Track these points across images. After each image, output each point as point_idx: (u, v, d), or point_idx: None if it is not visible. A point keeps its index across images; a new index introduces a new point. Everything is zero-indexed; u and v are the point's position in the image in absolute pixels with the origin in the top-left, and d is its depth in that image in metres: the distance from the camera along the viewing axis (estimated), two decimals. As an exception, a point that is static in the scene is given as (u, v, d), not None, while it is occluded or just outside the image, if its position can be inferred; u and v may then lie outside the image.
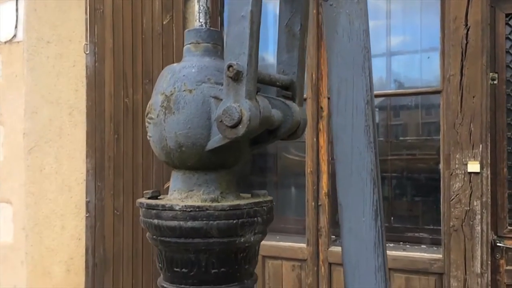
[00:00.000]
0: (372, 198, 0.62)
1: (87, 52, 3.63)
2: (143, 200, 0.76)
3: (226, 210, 0.70)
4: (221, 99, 0.69)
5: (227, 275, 0.73)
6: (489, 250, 2.71)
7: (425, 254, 2.97)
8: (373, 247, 0.62)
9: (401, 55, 3.45)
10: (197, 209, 0.70)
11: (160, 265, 0.77)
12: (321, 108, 3.23)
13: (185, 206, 0.70)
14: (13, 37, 3.92)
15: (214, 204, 0.72)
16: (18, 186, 3.90)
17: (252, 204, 0.73)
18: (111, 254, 3.53)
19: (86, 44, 3.69)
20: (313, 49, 3.17)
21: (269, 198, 0.78)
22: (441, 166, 2.91)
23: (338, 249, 3.19)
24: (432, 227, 3.20)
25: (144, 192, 0.78)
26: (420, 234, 3.27)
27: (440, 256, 2.90)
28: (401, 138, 3.63)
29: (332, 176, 3.25)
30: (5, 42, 3.94)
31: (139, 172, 3.45)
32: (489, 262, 2.70)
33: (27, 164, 3.87)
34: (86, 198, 3.61)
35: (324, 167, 3.22)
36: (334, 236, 3.28)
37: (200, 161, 0.74)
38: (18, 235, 3.92)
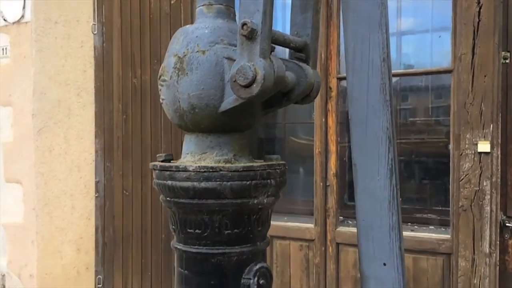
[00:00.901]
0: (387, 157, 0.61)
1: (95, 33, 3.62)
2: (156, 162, 0.77)
3: (240, 171, 0.70)
4: (235, 60, 0.68)
5: (240, 236, 0.73)
6: (498, 230, 2.70)
7: (433, 235, 2.97)
8: (387, 205, 0.61)
9: (412, 35, 3.40)
10: (211, 170, 0.70)
11: (173, 227, 0.77)
12: (330, 88, 3.20)
13: (199, 167, 0.70)
14: (21, 17, 3.91)
15: (228, 165, 0.72)
16: (28, 167, 3.94)
17: (265, 166, 0.73)
18: (120, 234, 3.57)
19: (94, 25, 3.68)
20: (322, 28, 3.13)
21: (282, 162, 0.78)
22: (451, 146, 2.89)
23: (346, 229, 3.20)
24: (440, 208, 3.19)
25: (157, 155, 0.78)
26: (429, 215, 3.26)
27: (448, 236, 2.90)
28: (410, 119, 3.60)
29: (341, 157, 3.24)
30: (13, 23, 3.94)
31: (148, 153, 3.46)
32: (498, 242, 2.70)
33: (37, 145, 3.90)
34: (95, 178, 3.64)
35: (332, 147, 3.21)
36: (342, 217, 3.28)
37: (214, 123, 0.73)
38: (28, 215, 3.97)
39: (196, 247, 0.73)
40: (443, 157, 3.14)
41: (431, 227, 3.14)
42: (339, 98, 3.22)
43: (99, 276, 3.59)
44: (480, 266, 2.71)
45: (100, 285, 3.57)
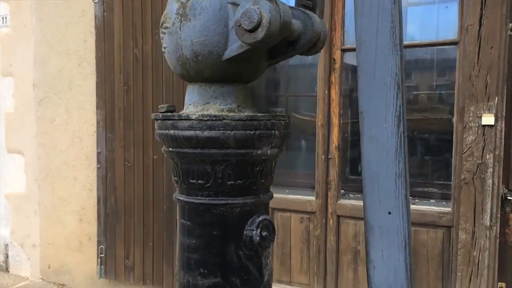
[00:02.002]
0: (395, 103, 0.60)
1: (96, 1, 3.55)
2: (158, 112, 0.75)
3: (244, 120, 0.69)
4: (239, 5, 0.66)
5: (243, 187, 0.72)
6: (499, 203, 2.71)
7: (434, 208, 2.98)
8: (394, 153, 0.60)
9: (418, 6, 3.34)
10: (214, 119, 0.68)
11: (175, 178, 0.76)
12: (334, 60, 3.16)
13: (202, 115, 0.69)
14: (20, -15, 3.85)
15: (231, 114, 0.70)
16: (30, 137, 3.94)
17: (270, 116, 0.71)
18: (122, 205, 3.58)
19: (95, -7, 3.61)
20: (327, -2, 3.07)
21: (287, 114, 0.76)
22: (454, 119, 2.87)
23: (347, 202, 3.21)
24: (442, 182, 3.19)
25: (159, 106, 0.76)
26: (430, 189, 3.26)
27: (449, 209, 2.91)
28: (414, 93, 3.57)
29: (343, 129, 3.23)
30: (13, -9, 3.88)
31: (149, 124, 3.44)
32: (499, 215, 2.70)
33: (38, 115, 3.89)
34: (97, 149, 3.64)
35: (335, 120, 3.19)
36: (343, 191, 3.29)
37: (217, 72, 0.71)
38: (30, 185, 3.99)
39: (198, 198, 0.72)
40: (446, 132, 3.12)
41: (432, 200, 3.15)
42: (343, 71, 3.19)
43: (101, 246, 3.62)
44: (480, 239, 2.72)
45: (102, 255, 3.61)
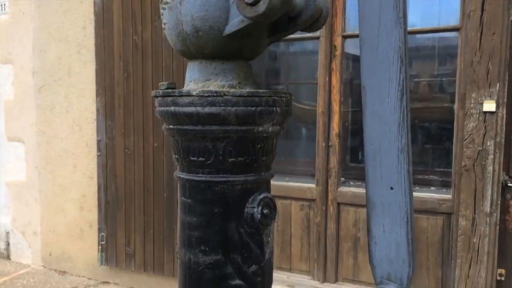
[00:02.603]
0: (398, 78, 0.59)
1: (95, -12, 3.53)
2: (159, 89, 0.74)
3: (245, 96, 0.68)
4: (240, -21, 0.65)
5: (244, 164, 0.72)
6: (500, 190, 2.71)
7: (434, 195, 2.98)
8: (397, 128, 0.60)
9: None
10: (215, 95, 0.67)
11: (176, 156, 0.76)
12: (335, 46, 3.15)
13: (203, 91, 0.68)
14: (18, -28, 3.82)
15: (233, 90, 0.70)
16: (30, 125, 3.93)
17: (271, 93, 0.71)
18: (122, 192, 3.58)
19: (93, -21, 3.58)
20: (328, -17, 3.05)
21: (288, 92, 0.75)
22: (455, 106, 2.86)
23: (347, 189, 3.21)
24: (443, 169, 3.19)
25: (160, 84, 0.76)
26: (430, 176, 3.26)
27: (449, 196, 2.91)
28: (415, 80, 3.55)
29: (344, 117, 3.22)
30: (11, -22, 3.85)
31: (149, 111, 3.43)
32: (499, 202, 2.71)
33: (38, 103, 3.88)
34: (97, 137, 3.63)
35: (336, 107, 3.18)
36: (343, 178, 3.29)
37: (218, 48, 0.71)
38: (31, 173, 3.99)
39: (199, 175, 0.72)
40: (446, 120, 3.11)
41: (433, 188, 3.15)
42: (344, 57, 3.17)
43: (102, 233, 3.63)
44: (480, 225, 2.73)
45: (103, 242, 3.62)
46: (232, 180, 0.71)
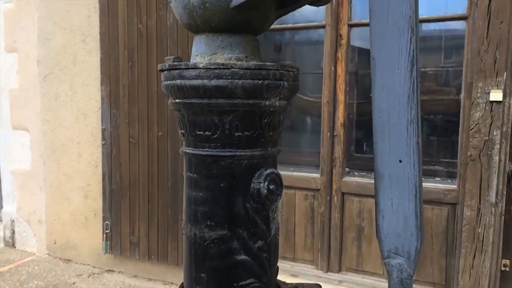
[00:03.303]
0: (408, 48, 0.58)
1: (99, -24, 3.51)
2: (165, 63, 0.74)
3: (252, 69, 0.67)
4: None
5: (250, 139, 0.71)
6: (505, 180, 2.69)
7: (440, 185, 2.97)
8: (406, 99, 0.59)
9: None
10: (222, 67, 0.67)
11: (182, 131, 0.75)
12: (340, 35, 3.12)
13: (209, 63, 0.67)
14: (23, -40, 3.81)
15: (239, 62, 0.69)
16: (34, 114, 3.94)
17: (278, 66, 0.70)
18: (127, 181, 3.59)
19: (98, -33, 3.56)
20: (334, -29, 3.02)
21: (295, 66, 0.74)
22: (462, 96, 2.84)
23: (351, 179, 3.20)
24: (448, 160, 3.17)
25: (166, 58, 0.75)
26: (436, 167, 3.24)
27: (455, 187, 2.90)
28: (421, 70, 3.52)
29: (349, 106, 3.20)
30: (16, -35, 3.84)
31: (154, 100, 3.43)
32: (504, 192, 2.69)
33: (42, 91, 3.88)
34: (102, 125, 3.63)
35: (341, 97, 3.16)
36: (348, 168, 3.28)
37: (225, 20, 0.70)
38: (36, 162, 4.01)
39: (205, 149, 0.71)
40: (452, 110, 3.09)
41: (438, 178, 3.14)
42: (350, 47, 3.15)
43: (106, 222, 3.64)
44: (485, 216, 2.71)
45: (108, 231, 3.63)
46: (239, 155, 0.71)
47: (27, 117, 3.98)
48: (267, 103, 0.70)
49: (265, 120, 0.72)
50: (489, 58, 2.63)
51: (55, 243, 3.98)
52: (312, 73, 3.70)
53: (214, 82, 0.67)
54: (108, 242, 3.67)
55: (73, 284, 3.50)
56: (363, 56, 3.42)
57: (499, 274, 2.75)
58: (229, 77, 0.67)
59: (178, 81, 0.70)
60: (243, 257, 0.72)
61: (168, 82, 0.72)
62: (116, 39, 3.54)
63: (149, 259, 3.55)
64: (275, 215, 0.76)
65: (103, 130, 3.65)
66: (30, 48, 3.89)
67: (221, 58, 0.71)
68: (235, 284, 0.72)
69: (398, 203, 0.61)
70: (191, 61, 0.74)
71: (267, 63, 0.69)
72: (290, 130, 3.77)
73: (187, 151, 0.74)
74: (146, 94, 3.46)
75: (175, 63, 0.71)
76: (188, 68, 0.68)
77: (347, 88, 3.16)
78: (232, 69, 0.67)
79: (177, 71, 0.70)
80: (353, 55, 3.32)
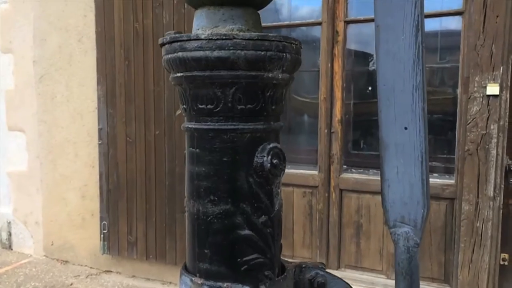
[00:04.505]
0: (413, 12, 0.58)
1: (95, -25, 3.51)
2: (166, 36, 0.73)
3: (255, 39, 0.67)
4: None
5: (253, 112, 0.70)
6: (503, 174, 2.70)
7: (437, 180, 2.97)
8: (411, 65, 0.58)
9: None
10: (224, 38, 0.66)
11: (184, 106, 0.74)
12: (337, 32, 3.13)
13: (211, 34, 0.67)
14: (18, -40, 3.80)
15: (242, 33, 0.68)
16: (31, 115, 3.92)
17: (281, 38, 0.69)
18: (124, 180, 3.57)
19: (94, -33, 3.56)
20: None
21: (298, 39, 0.74)
22: (459, 90, 2.85)
23: (349, 175, 3.20)
24: (445, 156, 3.17)
25: (166, 33, 0.74)
26: (433, 163, 3.24)
27: (452, 181, 2.90)
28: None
29: (346, 103, 3.21)
30: (11, -34, 3.83)
31: (151, 99, 3.42)
32: (502, 186, 2.70)
33: (38, 92, 3.87)
34: (98, 125, 3.62)
35: (338, 93, 3.17)
36: (345, 166, 3.27)
37: (226, -8, 0.69)
38: (32, 163, 3.98)
39: (208, 123, 0.70)
40: (449, 106, 3.09)
41: (435, 174, 3.14)
42: (346, 43, 3.16)
43: (104, 222, 3.62)
44: (484, 210, 2.72)
45: (105, 231, 3.61)
46: (242, 128, 0.70)
47: (23, 118, 3.96)
48: (270, 75, 0.69)
49: (268, 93, 0.71)
50: (485, 53, 2.64)
51: (52, 244, 3.95)
52: (309, 71, 3.70)
53: (216, 53, 0.66)
54: (106, 243, 3.64)
55: (71, 285, 3.47)
56: (361, 50, 3.44)
57: (498, 268, 2.75)
58: (231, 48, 0.66)
59: (180, 54, 0.69)
60: (246, 232, 0.71)
61: (170, 55, 0.71)
62: (112, 38, 3.53)
63: (147, 259, 3.53)
64: (278, 190, 0.76)
65: (99, 130, 3.63)
66: (25, 49, 3.87)
67: (222, 30, 0.70)
68: (239, 259, 0.71)
69: (404, 171, 0.61)
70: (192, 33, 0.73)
71: (269, 34, 0.68)
72: (287, 130, 3.76)
73: (189, 126, 0.73)
74: (143, 93, 3.45)
75: (177, 35, 0.70)
76: (190, 40, 0.68)
77: (344, 85, 3.16)
78: (235, 40, 0.66)
79: (178, 43, 0.69)
80: (350, 52, 3.32)
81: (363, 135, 3.59)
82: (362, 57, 3.53)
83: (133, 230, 3.56)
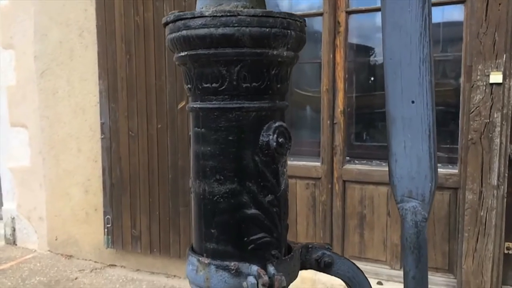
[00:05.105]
0: (419, -15, 0.57)
1: (95, -31, 3.50)
2: (169, 15, 0.72)
3: (259, 16, 0.66)
4: None
5: (258, 90, 0.70)
6: (507, 162, 2.69)
7: (441, 170, 2.96)
8: (418, 38, 0.58)
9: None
10: (229, 14, 0.66)
11: (188, 85, 0.74)
12: (338, 23, 3.12)
13: (216, 11, 0.66)
14: (18, -45, 3.79)
15: (246, 9, 0.68)
16: (32, 110, 3.92)
17: (286, 15, 0.69)
18: (127, 175, 3.57)
19: (94, -39, 3.55)
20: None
21: (302, 17, 0.73)
22: (461, 79, 2.83)
23: (353, 166, 3.19)
24: (448, 146, 3.16)
25: (169, 12, 0.74)
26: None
27: (456, 171, 2.89)
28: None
29: (348, 94, 3.20)
30: (10, -39, 3.82)
31: (152, 93, 3.42)
32: (506, 175, 2.69)
33: (40, 87, 3.87)
34: (101, 120, 3.62)
35: (340, 84, 3.15)
36: (348, 157, 3.27)
37: (230, -31, 0.69)
38: (35, 158, 3.99)
39: (213, 102, 0.70)
40: (451, 101, 3.07)
41: (439, 164, 3.11)
42: (348, 34, 3.14)
43: (107, 216, 3.63)
44: (488, 199, 2.71)
45: (109, 225, 3.62)
46: (247, 107, 0.70)
47: (25, 114, 3.96)
48: (275, 52, 0.69)
49: (273, 72, 0.70)
50: (488, 41, 2.63)
51: (56, 239, 3.96)
52: (310, 63, 3.68)
53: (220, 30, 0.66)
54: (110, 237, 3.65)
55: (76, 279, 3.48)
56: (363, 40, 3.42)
57: (503, 257, 2.75)
58: (236, 25, 0.65)
59: (184, 32, 0.69)
60: (253, 211, 0.71)
61: (173, 34, 0.71)
62: (113, 32, 3.53)
63: (151, 253, 3.54)
64: (284, 170, 0.75)
65: (102, 124, 3.63)
66: (26, 44, 3.87)
67: (227, 8, 0.69)
68: (245, 239, 0.71)
69: (411, 145, 0.60)
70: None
71: (274, 11, 0.68)
72: (289, 125, 3.74)
73: (194, 106, 0.73)
74: (145, 87, 3.44)
75: (181, 13, 0.70)
76: (194, 17, 0.67)
77: (346, 76, 3.15)
78: (239, 16, 0.65)
79: (182, 21, 0.69)
80: (352, 43, 3.31)
81: (365, 127, 3.58)
82: (364, 48, 3.52)
83: (136, 224, 3.57)
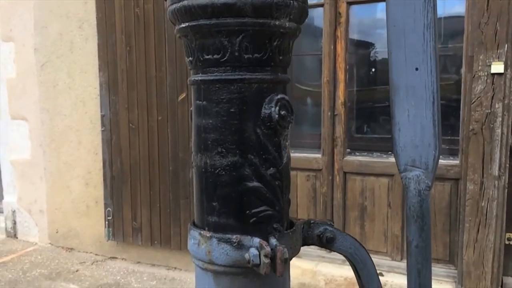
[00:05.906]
0: None
1: (95, -40, 3.48)
2: (170, -12, 0.72)
3: (261, -15, 0.65)
4: None
5: (260, 61, 0.69)
6: (508, 153, 2.68)
7: (442, 161, 2.95)
8: (422, 3, 0.57)
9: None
10: (230, -17, 0.65)
11: (190, 58, 0.73)
12: (339, 13, 3.11)
13: (217, -20, 0.66)
14: None
15: (248, -21, 0.67)
16: (33, 103, 3.91)
17: (287, -16, 0.68)
18: (128, 167, 3.57)
19: (94, -48, 3.54)
20: None
21: (304, -10, 0.73)
22: (463, 70, 2.83)
23: (353, 158, 3.19)
24: (449, 137, 3.15)
25: (171, -15, 0.73)
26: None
27: (457, 162, 2.89)
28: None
29: (349, 85, 3.19)
30: (10, -47, 3.80)
31: (153, 84, 3.41)
32: (507, 165, 2.68)
33: (40, 80, 3.86)
34: (101, 112, 3.61)
35: (341, 76, 3.15)
36: (349, 149, 3.26)
37: None
38: (35, 151, 3.98)
39: (215, 74, 0.69)
40: (452, 94, 3.07)
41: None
42: (349, 25, 3.13)
43: (108, 208, 3.63)
44: (489, 189, 2.71)
45: (110, 218, 3.62)
46: (249, 78, 0.69)
47: (25, 107, 3.95)
48: (277, 23, 0.68)
49: (275, 43, 0.70)
50: (489, 30, 2.62)
51: (57, 232, 3.96)
52: (311, 55, 3.67)
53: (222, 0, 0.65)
54: (111, 229, 3.65)
55: (77, 271, 3.48)
56: (364, 31, 3.41)
57: (503, 247, 2.75)
58: (237, -6, 0.65)
59: (185, 2, 0.68)
60: (255, 183, 0.70)
61: (174, 5, 0.70)
62: (113, 24, 3.52)
63: (152, 245, 3.54)
64: (286, 143, 0.75)
65: (102, 116, 3.63)
66: (26, 37, 3.86)
67: (228, -21, 0.69)
68: (247, 212, 0.71)
69: (415, 113, 0.60)
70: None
71: (276, -20, 0.67)
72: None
73: (196, 78, 0.72)
74: (145, 79, 3.44)
75: (182, -16, 0.69)
76: (196, -13, 0.66)
77: (347, 67, 3.14)
78: (241, -15, 0.65)
79: (183, -9, 0.68)
80: (353, 34, 3.30)
81: (366, 120, 3.57)
82: (365, 43, 3.51)
83: (137, 216, 3.57)
